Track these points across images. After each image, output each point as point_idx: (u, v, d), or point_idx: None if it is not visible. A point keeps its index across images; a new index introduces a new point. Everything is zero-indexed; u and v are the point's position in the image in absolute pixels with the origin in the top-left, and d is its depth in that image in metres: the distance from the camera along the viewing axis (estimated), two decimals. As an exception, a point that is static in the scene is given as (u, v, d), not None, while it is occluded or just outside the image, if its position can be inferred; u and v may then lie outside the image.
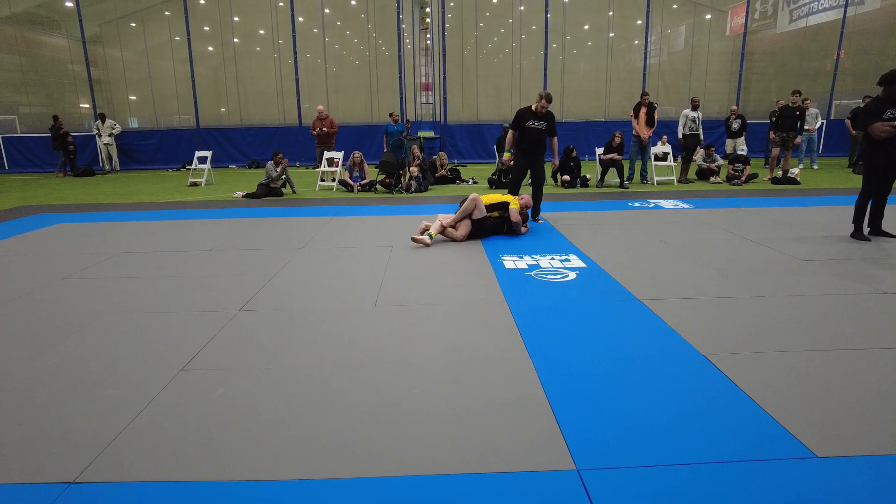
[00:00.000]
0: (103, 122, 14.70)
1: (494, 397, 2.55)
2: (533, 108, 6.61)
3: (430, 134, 15.60)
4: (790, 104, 10.56)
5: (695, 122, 10.49)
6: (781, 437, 2.20)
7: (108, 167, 15.04)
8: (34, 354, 3.13)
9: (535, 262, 4.84)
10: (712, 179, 10.63)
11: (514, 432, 2.27)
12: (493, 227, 5.94)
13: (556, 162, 6.96)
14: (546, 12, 15.73)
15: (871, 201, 5.55)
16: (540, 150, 6.73)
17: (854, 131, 11.96)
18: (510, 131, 6.80)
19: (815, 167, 12.56)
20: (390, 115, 11.94)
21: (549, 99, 6.57)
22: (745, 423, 2.30)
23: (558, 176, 10.30)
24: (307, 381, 2.74)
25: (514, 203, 6.02)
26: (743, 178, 10.20)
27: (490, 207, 5.90)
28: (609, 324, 3.43)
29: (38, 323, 3.64)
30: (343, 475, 2.02)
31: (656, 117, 10.25)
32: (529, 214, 6.67)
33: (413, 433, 2.28)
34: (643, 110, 10.10)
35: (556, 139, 6.84)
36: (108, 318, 3.69)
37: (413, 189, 9.76)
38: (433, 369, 2.85)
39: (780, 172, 10.56)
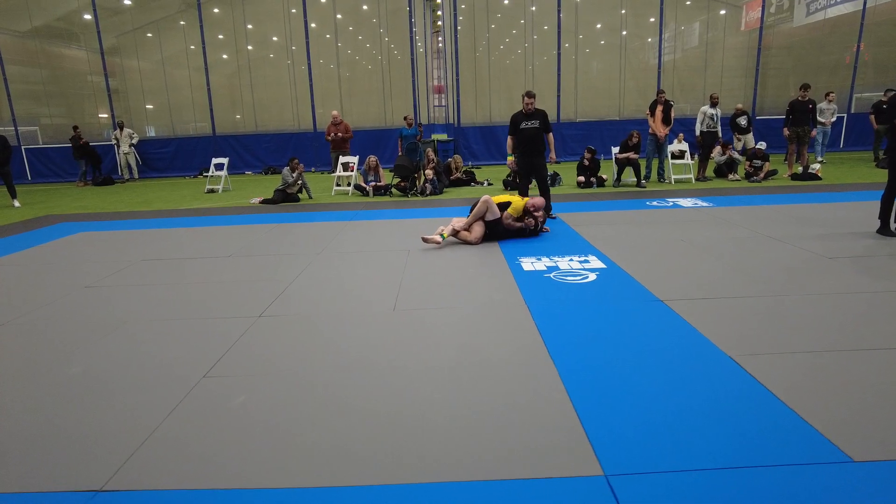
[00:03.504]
0: (121, 130, 14.94)
1: (517, 401, 2.52)
2: (522, 109, 7.00)
3: (443, 136, 15.59)
4: (800, 98, 10.41)
5: (713, 119, 10.35)
6: (815, 440, 2.14)
7: (126, 176, 15.28)
8: (58, 362, 3.17)
9: (553, 264, 4.80)
10: (731, 177, 10.47)
11: (539, 437, 2.24)
12: (512, 230, 5.85)
13: (553, 156, 7.33)
14: (559, 11, 15.65)
15: (897, 196, 5.42)
16: (538, 150, 7.07)
17: (877, 125, 11.73)
18: (509, 137, 7.21)
19: (823, 160, 12.30)
20: (405, 118, 11.97)
21: (531, 95, 6.97)
22: (775, 427, 2.25)
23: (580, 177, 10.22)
24: (328, 387, 2.73)
25: (517, 204, 5.82)
26: (762, 175, 10.04)
27: (502, 207, 5.83)
28: (631, 325, 3.38)
29: (61, 331, 3.68)
30: (367, 482, 2.01)
31: (673, 115, 10.14)
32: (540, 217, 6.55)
33: (436, 439, 2.26)
34: (659, 108, 10.00)
35: (551, 135, 7.19)
36: (130, 325, 3.72)
37: (428, 192, 9.75)
38: (454, 373, 2.82)
39: (800, 168, 10.38)
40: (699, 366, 2.81)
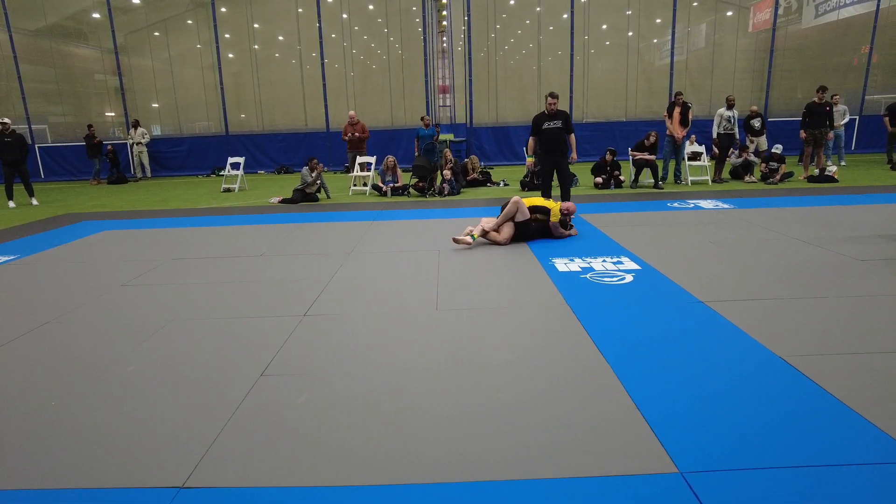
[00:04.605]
0: (136, 129, 14.98)
1: (580, 401, 2.55)
2: (545, 110, 7.16)
3: (451, 136, 15.59)
4: (817, 101, 10.44)
5: (730, 121, 10.39)
6: (883, 441, 2.17)
7: (139, 174, 15.32)
8: (112, 362, 3.19)
9: (587, 265, 4.83)
10: (747, 179, 10.51)
11: (607, 436, 2.27)
12: (538, 231, 5.89)
13: (575, 156, 7.47)
14: (572, 12, 15.67)
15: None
16: (560, 149, 7.22)
17: (892, 128, 11.76)
18: (531, 138, 7.35)
19: (843, 164, 12.38)
20: (422, 118, 12.02)
21: (553, 95, 7.15)
22: (841, 427, 2.27)
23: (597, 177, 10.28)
24: (388, 387, 2.76)
25: (555, 209, 5.90)
26: (778, 177, 10.08)
27: (532, 210, 5.87)
28: (678, 326, 3.41)
29: (106, 330, 3.71)
30: (437, 480, 2.04)
31: (690, 117, 10.17)
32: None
33: (507, 438, 2.28)
34: (677, 110, 10.03)
35: (573, 136, 7.34)
36: (176, 324, 3.75)
37: (446, 192, 9.79)
38: (512, 373, 2.86)
39: (816, 171, 10.42)
40: (751, 366, 2.85)
